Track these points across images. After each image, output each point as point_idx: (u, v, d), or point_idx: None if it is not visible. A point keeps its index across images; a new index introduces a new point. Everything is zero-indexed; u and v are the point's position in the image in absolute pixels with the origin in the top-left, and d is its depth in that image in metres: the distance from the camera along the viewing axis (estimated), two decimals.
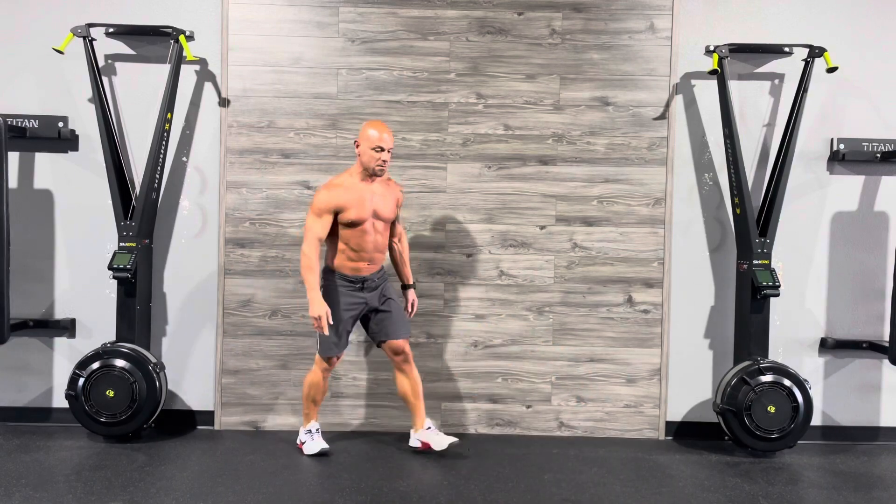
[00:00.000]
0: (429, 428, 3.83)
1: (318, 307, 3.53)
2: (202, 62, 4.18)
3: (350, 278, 3.66)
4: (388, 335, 3.74)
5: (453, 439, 3.78)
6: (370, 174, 3.63)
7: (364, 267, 3.66)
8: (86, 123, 4.15)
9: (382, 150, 3.58)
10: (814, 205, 4.23)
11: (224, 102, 4.16)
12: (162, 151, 4.03)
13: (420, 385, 3.83)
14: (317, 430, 3.82)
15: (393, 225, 3.81)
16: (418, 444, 3.83)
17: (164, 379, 4.01)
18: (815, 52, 4.02)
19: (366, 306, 3.71)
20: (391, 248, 3.87)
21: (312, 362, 4.17)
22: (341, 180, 3.64)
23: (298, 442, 3.85)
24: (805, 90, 4.03)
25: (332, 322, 3.58)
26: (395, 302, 3.77)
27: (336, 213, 3.59)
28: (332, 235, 3.64)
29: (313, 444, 3.77)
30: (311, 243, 3.56)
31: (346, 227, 3.60)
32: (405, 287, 3.92)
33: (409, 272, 3.93)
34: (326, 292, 3.65)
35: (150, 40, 4.13)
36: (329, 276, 3.69)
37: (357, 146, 3.62)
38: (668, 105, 4.19)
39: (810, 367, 4.24)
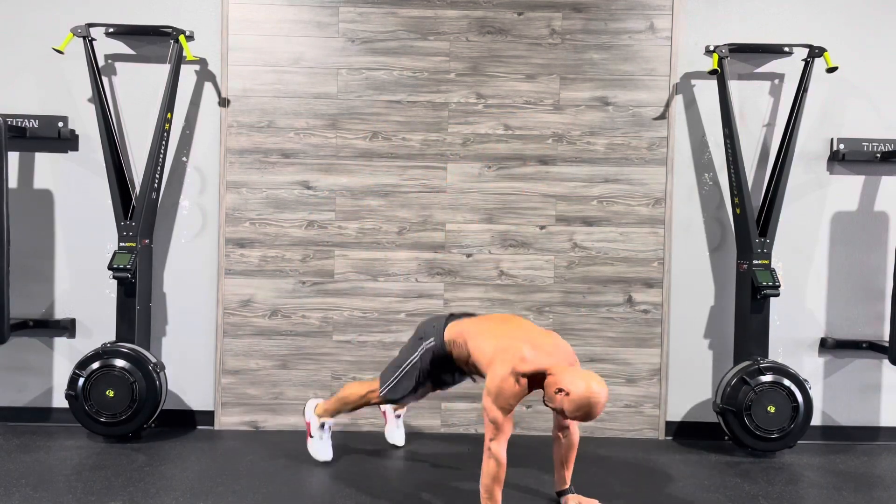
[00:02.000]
0: (398, 416, 3.93)
1: None
2: (202, 62, 4.18)
3: (455, 367, 3.28)
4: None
5: (400, 443, 3.89)
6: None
7: None
8: (86, 123, 4.15)
9: (576, 420, 2.85)
10: (814, 205, 4.23)
11: (224, 102, 4.16)
12: (162, 151, 4.03)
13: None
14: (329, 427, 3.68)
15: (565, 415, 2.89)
16: (382, 411, 3.96)
17: (164, 379, 4.01)
18: (815, 52, 4.02)
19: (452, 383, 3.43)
20: (556, 440, 3.22)
21: (313, 362, 4.19)
22: (525, 380, 2.88)
23: (306, 419, 3.69)
24: (805, 90, 4.03)
25: (418, 381, 3.26)
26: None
27: None
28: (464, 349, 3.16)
29: (322, 445, 3.64)
30: (503, 445, 2.91)
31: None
32: (561, 493, 3.24)
33: (568, 476, 3.23)
34: (430, 355, 3.25)
35: (150, 40, 4.13)
36: (442, 352, 3.24)
37: (560, 392, 2.78)
38: (668, 105, 4.19)
39: (810, 367, 4.24)
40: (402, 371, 3.31)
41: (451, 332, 3.21)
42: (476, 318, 3.28)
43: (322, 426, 3.67)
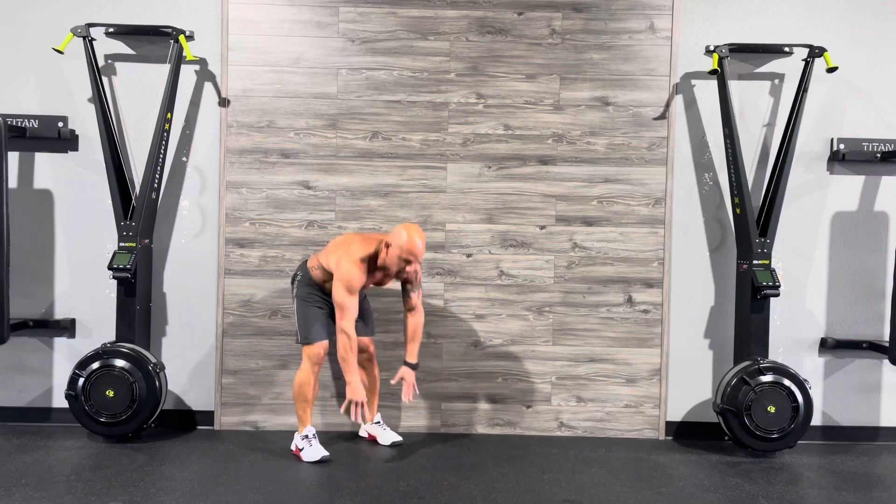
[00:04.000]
0: (377, 423, 4.02)
1: (358, 391, 3.57)
2: (202, 62, 4.19)
3: (327, 291, 3.76)
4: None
5: (398, 438, 3.96)
6: (388, 268, 3.64)
7: None
8: (86, 123, 4.15)
9: (410, 262, 3.57)
10: (814, 205, 4.24)
11: (224, 102, 4.16)
12: (162, 151, 4.03)
13: (378, 383, 3.98)
14: (314, 434, 3.75)
15: (408, 294, 3.78)
16: (367, 436, 4.04)
17: (164, 379, 4.01)
18: (815, 52, 4.02)
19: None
20: (405, 317, 3.84)
21: None
22: (370, 254, 3.63)
23: (294, 448, 3.78)
24: (805, 90, 4.03)
25: (313, 313, 3.71)
26: (366, 302, 3.90)
27: None
28: (325, 268, 3.70)
29: (312, 450, 3.70)
30: (351, 322, 3.58)
31: None
32: (406, 364, 3.81)
33: (415, 350, 3.82)
34: (303, 285, 3.76)
35: (150, 40, 4.13)
36: (306, 277, 3.77)
37: (388, 246, 3.57)
38: (668, 105, 4.19)
39: (810, 367, 4.24)
40: (298, 315, 3.76)
41: (311, 262, 3.79)
42: (326, 246, 3.82)
43: (305, 437, 3.74)
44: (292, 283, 3.86)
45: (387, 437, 3.96)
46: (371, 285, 3.77)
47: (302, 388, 3.73)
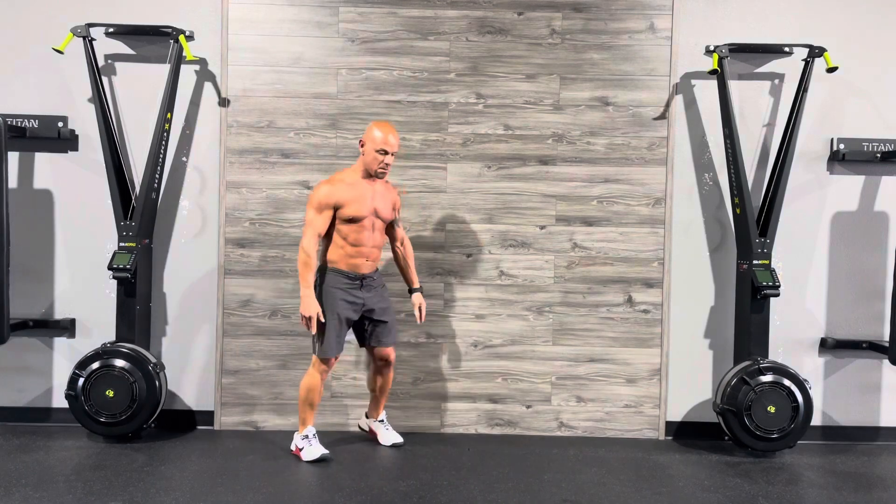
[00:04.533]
0: (381, 421, 3.98)
1: (311, 306, 3.54)
2: (202, 62, 4.18)
3: (349, 275, 3.64)
4: (381, 343, 3.78)
5: (399, 439, 3.93)
6: (372, 175, 3.65)
7: (363, 264, 3.66)
8: (86, 123, 4.15)
9: (386, 153, 3.59)
10: (814, 205, 4.23)
11: (224, 102, 4.16)
12: (162, 151, 4.03)
13: (390, 386, 3.94)
14: (314, 434, 3.74)
15: (393, 228, 3.83)
16: (367, 430, 4.03)
17: (164, 379, 4.01)
18: (815, 52, 4.02)
19: (363, 307, 3.69)
20: (395, 253, 3.90)
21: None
22: (343, 176, 3.66)
23: (294, 447, 3.77)
24: (805, 90, 4.03)
25: (323, 320, 3.57)
26: (390, 310, 3.80)
27: (336, 209, 3.58)
28: (329, 233, 3.64)
29: (312, 449, 3.69)
30: (311, 239, 3.56)
31: (345, 222, 3.60)
32: (412, 291, 3.89)
33: (414, 276, 3.91)
34: (326, 291, 3.63)
35: (150, 40, 4.13)
36: (327, 275, 3.65)
37: (361, 145, 3.62)
38: (668, 105, 4.19)
39: (810, 367, 4.24)
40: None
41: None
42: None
43: (305, 437, 3.72)
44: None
45: (388, 437, 3.95)
46: (372, 217, 3.64)
47: (309, 394, 3.69)
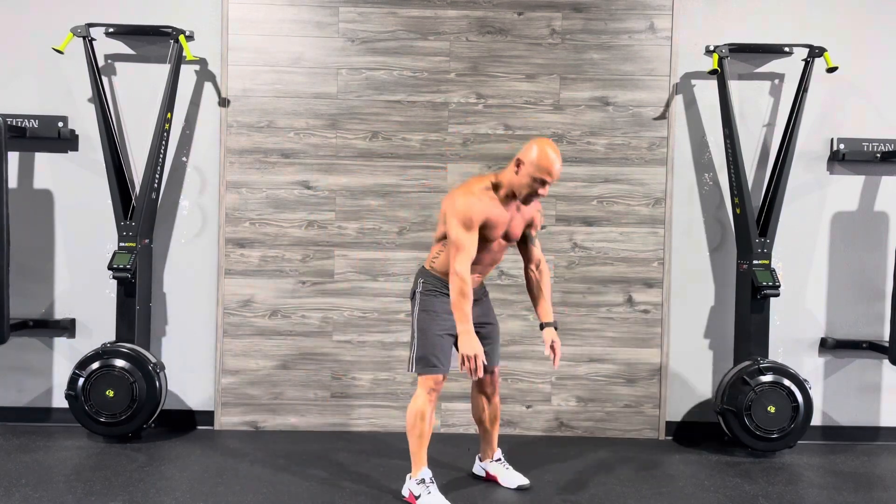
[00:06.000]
0: (499, 459, 3.45)
1: (473, 344, 2.96)
2: (202, 62, 4.19)
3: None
4: (488, 361, 3.13)
5: (525, 482, 3.37)
6: (514, 197, 3.10)
7: (474, 279, 3.15)
8: (86, 123, 4.15)
9: (545, 183, 3.02)
10: (814, 205, 4.24)
11: (224, 102, 4.16)
12: (162, 151, 4.04)
13: (499, 413, 3.44)
14: (430, 479, 3.15)
15: (528, 247, 3.31)
16: (483, 474, 3.48)
17: (164, 379, 4.01)
18: (815, 52, 4.02)
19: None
20: (528, 278, 3.34)
21: (312, 362, 4.19)
22: (482, 189, 3.08)
23: (407, 494, 3.18)
24: (805, 90, 4.03)
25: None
26: (496, 328, 3.35)
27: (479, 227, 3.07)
28: (441, 237, 3.18)
29: (431, 499, 3.09)
30: (467, 264, 2.99)
31: None
32: (544, 325, 3.24)
33: (549, 308, 3.28)
34: (430, 298, 3.17)
35: (150, 40, 4.13)
36: (435, 282, 3.19)
37: (517, 164, 3.02)
38: (668, 105, 4.19)
39: (810, 367, 4.24)
40: (418, 336, 3.16)
41: (427, 261, 3.26)
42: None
43: (421, 481, 3.15)
44: (412, 299, 3.24)
45: (511, 478, 3.39)
46: (501, 238, 3.16)
47: (418, 423, 3.12)
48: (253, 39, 4.16)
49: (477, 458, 3.54)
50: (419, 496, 3.12)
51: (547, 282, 3.32)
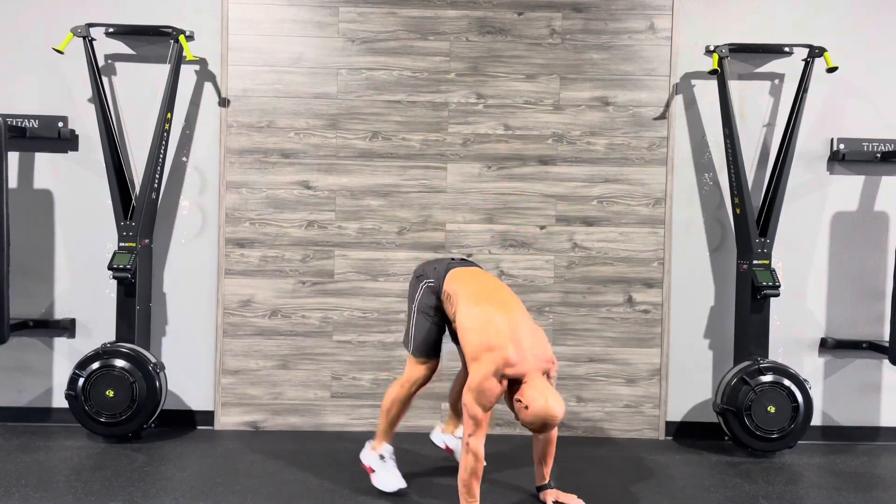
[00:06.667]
0: (460, 437, 3.43)
1: None
2: (202, 62, 4.19)
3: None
4: None
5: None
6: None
7: None
8: (86, 123, 4.15)
9: (547, 429, 2.88)
10: (814, 205, 4.24)
11: (224, 102, 4.16)
12: (162, 151, 4.03)
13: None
14: (391, 455, 3.32)
15: None
16: (442, 446, 3.66)
17: (164, 379, 4.01)
18: (815, 52, 4.02)
19: None
20: (535, 437, 3.23)
21: (312, 362, 4.19)
22: (507, 368, 2.85)
23: (365, 463, 3.38)
24: (805, 90, 4.03)
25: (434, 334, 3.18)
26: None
27: None
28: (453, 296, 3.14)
29: (388, 476, 3.27)
30: (481, 440, 2.91)
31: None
32: (542, 488, 3.26)
33: (547, 471, 3.27)
34: (426, 305, 3.25)
35: (150, 40, 4.13)
36: (434, 293, 3.25)
37: (524, 405, 2.80)
38: (668, 105, 4.19)
39: (810, 367, 4.24)
40: (414, 318, 3.25)
41: (450, 285, 3.19)
42: (471, 283, 3.16)
43: (381, 457, 3.34)
44: (418, 280, 3.29)
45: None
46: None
47: (392, 406, 3.28)
48: (253, 39, 4.16)
49: (440, 428, 3.70)
50: (376, 470, 3.32)
51: (550, 446, 3.24)
